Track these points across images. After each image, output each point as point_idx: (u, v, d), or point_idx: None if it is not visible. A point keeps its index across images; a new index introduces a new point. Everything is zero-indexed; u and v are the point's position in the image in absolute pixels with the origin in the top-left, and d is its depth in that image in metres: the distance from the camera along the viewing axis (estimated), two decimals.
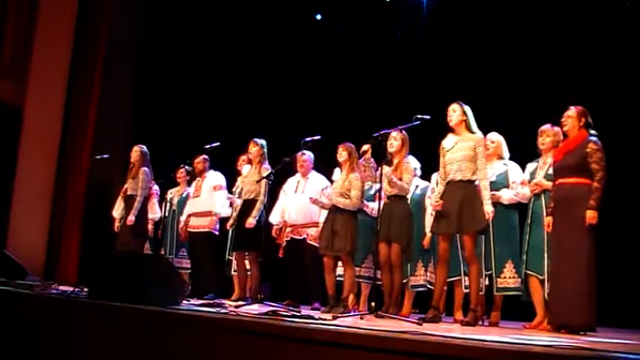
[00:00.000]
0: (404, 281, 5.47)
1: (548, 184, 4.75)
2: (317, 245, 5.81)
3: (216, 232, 6.74)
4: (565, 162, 4.46)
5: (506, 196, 5.08)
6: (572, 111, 4.54)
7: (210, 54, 9.06)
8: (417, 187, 5.63)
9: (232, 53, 8.95)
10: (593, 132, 4.47)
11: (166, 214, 7.38)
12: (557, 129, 4.91)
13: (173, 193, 7.45)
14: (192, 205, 6.88)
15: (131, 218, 6.73)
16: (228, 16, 8.99)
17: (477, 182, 4.72)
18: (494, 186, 5.10)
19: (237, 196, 6.64)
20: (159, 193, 7.38)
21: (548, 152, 4.94)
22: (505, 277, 5.04)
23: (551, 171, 4.76)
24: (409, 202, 5.35)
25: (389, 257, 5.19)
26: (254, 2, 8.79)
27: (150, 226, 7.19)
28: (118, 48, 8.74)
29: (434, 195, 5.00)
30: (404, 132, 5.24)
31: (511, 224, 5.11)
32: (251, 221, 6.05)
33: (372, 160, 5.89)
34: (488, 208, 4.63)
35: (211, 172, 6.93)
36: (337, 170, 5.89)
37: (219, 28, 8.95)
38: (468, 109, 4.82)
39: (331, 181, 5.99)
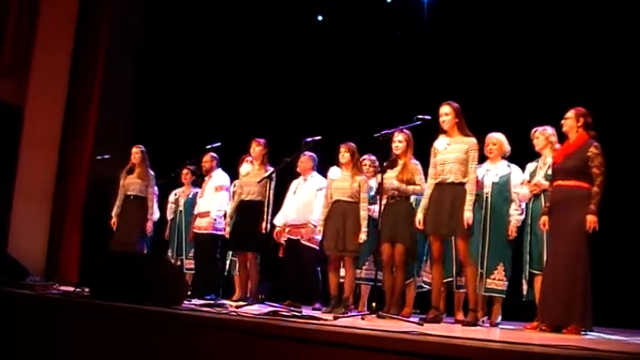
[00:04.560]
0: (409, 281, 5.48)
1: (547, 184, 4.77)
2: (312, 245, 5.80)
3: (217, 233, 6.73)
4: (565, 164, 4.47)
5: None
6: (570, 112, 4.57)
7: (211, 54, 9.06)
8: None
9: (233, 53, 8.94)
10: (592, 133, 4.48)
11: (171, 215, 7.39)
12: (543, 128, 5.00)
13: (178, 194, 7.44)
14: (197, 205, 6.93)
15: (149, 224, 6.90)
16: (228, 16, 8.98)
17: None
18: (497, 187, 5.12)
19: (236, 196, 6.62)
20: (158, 193, 7.38)
21: (544, 150, 4.98)
22: (494, 279, 5.06)
23: (550, 171, 4.78)
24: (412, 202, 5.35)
25: (392, 257, 5.19)
26: (255, 2, 8.79)
27: (149, 227, 7.19)
28: (118, 48, 8.74)
29: (421, 203, 4.96)
30: (407, 132, 5.23)
31: (508, 228, 5.12)
32: (265, 225, 6.01)
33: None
34: (468, 214, 4.62)
35: (218, 171, 6.92)
36: (333, 169, 5.87)
37: (219, 28, 8.95)
38: (459, 109, 4.81)
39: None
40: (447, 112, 4.81)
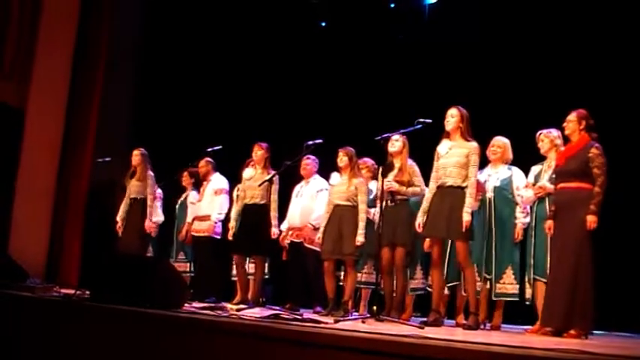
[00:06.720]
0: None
1: (552, 188, 4.76)
2: (315, 248, 5.80)
3: (217, 237, 6.73)
4: (567, 166, 4.48)
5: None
6: (572, 115, 4.56)
7: (213, 57, 9.06)
8: None
9: (235, 57, 8.95)
10: (594, 135, 4.49)
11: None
12: (548, 131, 5.00)
13: (184, 198, 7.45)
14: (197, 208, 6.91)
15: (148, 224, 6.85)
16: (230, 20, 8.99)
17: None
18: (499, 191, 5.12)
19: (239, 200, 6.61)
20: (162, 196, 7.38)
21: (549, 153, 4.99)
22: (504, 283, 5.06)
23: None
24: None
25: (392, 261, 5.19)
26: (256, 8, 8.79)
27: (154, 229, 7.18)
28: (119, 51, 8.76)
29: (422, 206, 4.93)
30: (404, 136, 5.26)
31: (514, 231, 5.11)
32: (275, 231, 6.07)
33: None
34: (466, 217, 4.59)
35: (216, 175, 6.93)
36: (334, 175, 5.86)
37: (221, 31, 8.96)
38: (466, 115, 4.81)
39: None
40: (453, 115, 4.81)
